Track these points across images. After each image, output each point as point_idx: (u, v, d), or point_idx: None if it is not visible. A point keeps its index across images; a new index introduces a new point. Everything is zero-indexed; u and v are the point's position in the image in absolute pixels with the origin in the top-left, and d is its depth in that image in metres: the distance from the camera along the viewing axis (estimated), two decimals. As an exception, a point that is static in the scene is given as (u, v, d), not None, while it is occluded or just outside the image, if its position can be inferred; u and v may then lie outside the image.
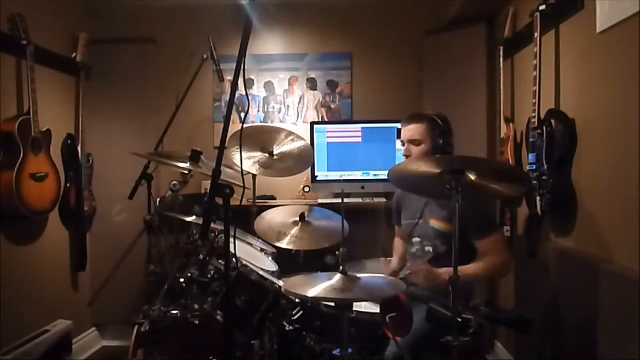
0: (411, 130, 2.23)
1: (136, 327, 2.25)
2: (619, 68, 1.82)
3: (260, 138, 2.86)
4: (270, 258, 2.62)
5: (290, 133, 2.93)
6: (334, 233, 2.58)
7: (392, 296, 1.69)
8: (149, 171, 2.88)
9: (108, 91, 3.52)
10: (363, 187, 3.39)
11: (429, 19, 3.53)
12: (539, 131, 2.19)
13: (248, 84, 3.63)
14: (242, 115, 3.62)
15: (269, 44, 3.66)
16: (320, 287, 1.60)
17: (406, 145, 2.25)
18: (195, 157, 2.38)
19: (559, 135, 2.16)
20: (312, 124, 3.45)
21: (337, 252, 1.84)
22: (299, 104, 3.69)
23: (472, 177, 1.64)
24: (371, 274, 1.99)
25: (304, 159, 2.89)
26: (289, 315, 2.10)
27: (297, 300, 2.10)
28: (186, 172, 2.44)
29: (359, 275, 1.67)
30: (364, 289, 1.63)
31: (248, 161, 2.76)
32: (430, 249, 2.18)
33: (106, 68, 3.51)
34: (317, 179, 3.41)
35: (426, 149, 2.20)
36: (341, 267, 1.68)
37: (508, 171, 1.97)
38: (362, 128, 3.42)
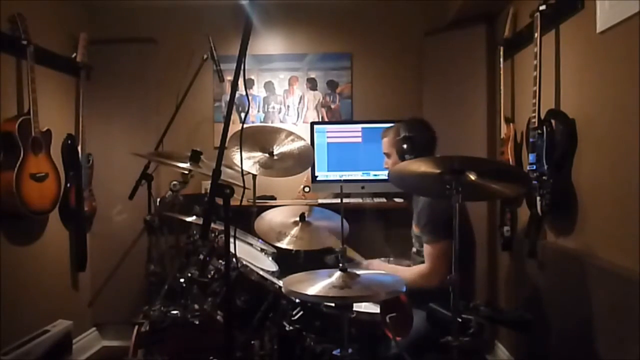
0: (383, 145, 2.43)
1: (136, 327, 2.25)
2: (619, 68, 1.82)
3: (260, 138, 2.86)
4: (270, 258, 2.62)
5: (290, 133, 2.93)
6: (334, 233, 2.58)
7: (391, 294, 1.69)
8: (149, 171, 2.88)
9: (108, 91, 3.52)
10: (363, 187, 3.39)
11: (429, 19, 3.53)
12: (539, 131, 2.19)
13: (248, 84, 3.63)
14: (242, 115, 3.62)
15: (269, 44, 3.66)
16: (320, 284, 1.60)
17: (385, 159, 2.44)
18: (195, 157, 2.38)
19: (559, 135, 2.16)
20: (312, 124, 3.45)
21: (336, 250, 1.85)
22: (299, 104, 3.69)
23: (472, 177, 1.64)
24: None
25: (304, 159, 2.89)
26: (289, 315, 2.10)
27: (297, 301, 2.10)
28: (186, 172, 2.44)
29: (358, 272, 1.68)
30: (363, 286, 1.63)
31: (248, 161, 2.75)
32: (415, 249, 2.37)
33: (106, 68, 3.51)
34: (317, 179, 3.41)
35: (394, 160, 2.35)
36: (340, 265, 1.68)
37: (508, 171, 1.97)
38: (362, 128, 3.42)
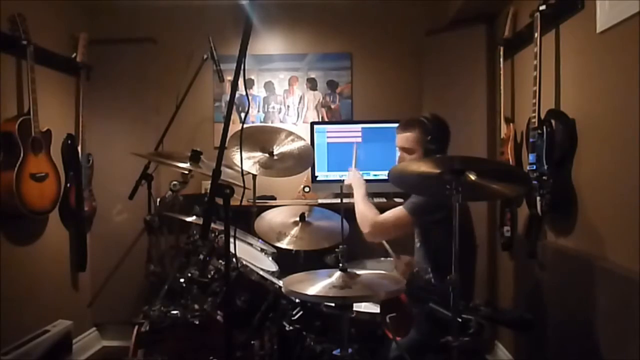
0: (403, 139, 2.28)
1: (136, 327, 2.25)
2: (619, 68, 1.82)
3: (260, 138, 2.86)
4: (270, 258, 2.62)
5: (290, 133, 2.93)
6: (334, 233, 2.58)
7: (391, 294, 1.69)
8: (149, 171, 2.87)
9: (108, 91, 3.52)
10: (363, 187, 3.38)
11: (429, 19, 3.53)
12: (539, 131, 2.19)
13: (248, 84, 3.63)
14: (242, 115, 3.63)
15: (269, 44, 3.66)
16: (320, 284, 1.60)
17: (400, 153, 2.31)
18: (195, 157, 2.38)
19: (559, 135, 2.16)
20: (312, 124, 3.45)
21: (336, 249, 1.84)
22: (299, 104, 3.69)
23: (472, 177, 1.64)
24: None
25: (304, 159, 2.89)
26: (289, 315, 2.10)
27: (297, 301, 2.10)
28: (186, 172, 2.44)
29: (358, 272, 1.68)
30: (363, 286, 1.63)
31: (248, 161, 2.76)
32: (417, 245, 2.32)
33: (106, 68, 3.51)
34: (317, 179, 3.41)
35: (417, 157, 2.23)
36: (341, 264, 1.68)
37: (508, 171, 1.97)
38: (362, 128, 3.42)
